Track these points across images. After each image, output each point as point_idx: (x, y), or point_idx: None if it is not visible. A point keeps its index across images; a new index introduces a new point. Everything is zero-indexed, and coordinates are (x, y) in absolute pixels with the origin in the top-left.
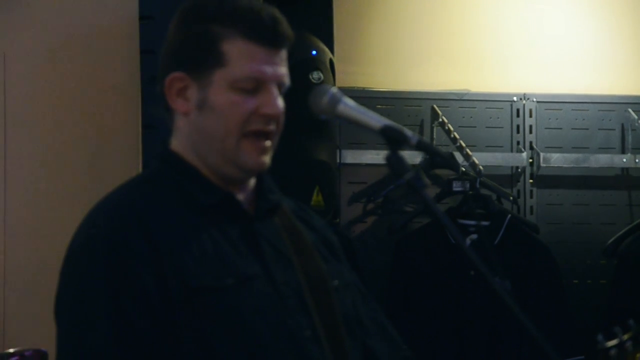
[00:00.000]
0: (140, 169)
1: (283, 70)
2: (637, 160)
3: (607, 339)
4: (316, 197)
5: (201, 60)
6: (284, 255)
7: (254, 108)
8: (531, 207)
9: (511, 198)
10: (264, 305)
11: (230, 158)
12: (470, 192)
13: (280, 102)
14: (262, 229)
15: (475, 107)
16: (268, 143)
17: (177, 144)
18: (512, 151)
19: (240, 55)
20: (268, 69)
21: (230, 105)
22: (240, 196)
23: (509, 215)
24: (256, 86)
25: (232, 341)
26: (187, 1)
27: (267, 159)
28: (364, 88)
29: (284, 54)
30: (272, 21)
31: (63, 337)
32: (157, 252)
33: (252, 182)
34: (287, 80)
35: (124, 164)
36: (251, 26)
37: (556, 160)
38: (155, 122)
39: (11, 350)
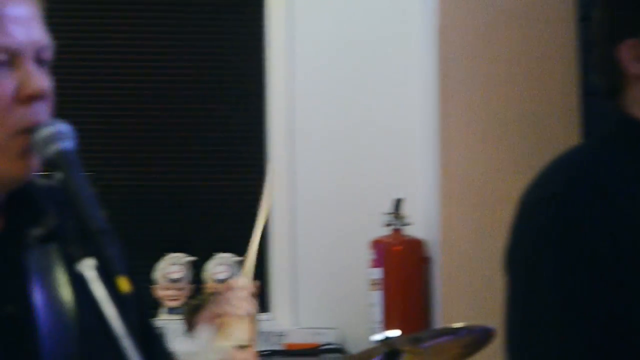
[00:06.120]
0: (578, 138)
1: None
2: None
3: None
4: None
5: None
6: None
7: None
8: None
9: None
10: None
11: None
12: None
13: None
14: None
15: None
16: None
17: (637, 110)
18: None
19: None
20: None
21: None
22: None
23: None
24: None
25: None
26: None
27: None
28: None
29: None
30: None
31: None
32: (613, 210)
33: None
34: None
35: (563, 132)
36: None
37: None
38: (597, 90)
39: (460, 325)
